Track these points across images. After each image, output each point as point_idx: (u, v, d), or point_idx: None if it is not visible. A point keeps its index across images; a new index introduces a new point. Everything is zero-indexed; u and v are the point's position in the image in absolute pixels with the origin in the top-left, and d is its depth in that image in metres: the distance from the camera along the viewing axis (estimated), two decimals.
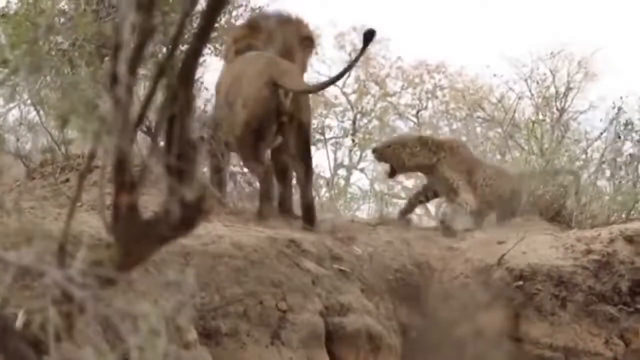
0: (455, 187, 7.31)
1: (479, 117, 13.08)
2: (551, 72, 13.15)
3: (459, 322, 5.92)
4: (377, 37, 6.20)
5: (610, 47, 18.60)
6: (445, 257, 6.47)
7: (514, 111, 10.95)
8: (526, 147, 9.75)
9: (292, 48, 6.89)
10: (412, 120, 14.57)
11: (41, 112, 6.53)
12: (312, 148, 7.17)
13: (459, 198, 7.21)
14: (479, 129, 11.96)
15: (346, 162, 14.37)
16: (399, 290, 6.11)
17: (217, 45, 7.79)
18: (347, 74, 6.70)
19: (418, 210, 9.44)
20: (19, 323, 2.00)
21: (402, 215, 7.49)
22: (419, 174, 8.11)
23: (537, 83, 13.03)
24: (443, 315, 6.03)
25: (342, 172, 14.28)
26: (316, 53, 9.86)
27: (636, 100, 9.17)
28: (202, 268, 4.86)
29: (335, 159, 14.25)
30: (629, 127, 8.61)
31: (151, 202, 2.30)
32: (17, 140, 6.48)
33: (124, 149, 1.78)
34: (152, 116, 2.01)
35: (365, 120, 14.85)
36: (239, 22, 7.89)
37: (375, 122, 14.75)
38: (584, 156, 8.89)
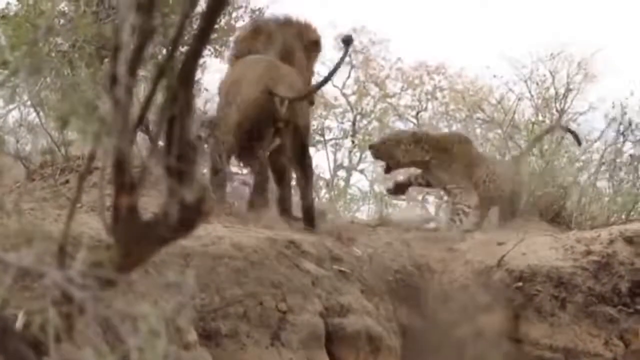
0: (448, 189, 7.34)
1: (478, 118, 13.06)
2: (551, 73, 13.14)
3: (459, 323, 5.92)
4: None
5: (610, 48, 18.62)
6: (445, 258, 6.48)
7: (514, 112, 10.93)
8: None
9: (294, 51, 6.92)
10: (412, 122, 14.57)
11: (41, 114, 6.53)
12: (312, 149, 7.22)
13: (454, 206, 7.26)
14: (478, 130, 11.93)
15: (346, 163, 14.37)
16: (398, 291, 6.11)
17: (217, 47, 7.80)
18: (331, 79, 6.72)
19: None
20: (19, 324, 2.00)
21: (393, 192, 7.58)
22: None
23: (537, 84, 13.02)
24: (443, 317, 6.04)
25: (341, 173, 14.29)
26: None
27: (636, 101, 9.17)
28: (202, 269, 4.86)
29: (335, 160, 14.26)
30: (632, 127, 8.61)
31: (151, 203, 2.30)
32: (17, 141, 6.49)
33: (123, 150, 1.78)
34: (152, 117, 2.01)
35: (365, 122, 14.86)
36: (239, 23, 7.90)
37: (375, 124, 14.75)
38: (583, 157, 8.90)
